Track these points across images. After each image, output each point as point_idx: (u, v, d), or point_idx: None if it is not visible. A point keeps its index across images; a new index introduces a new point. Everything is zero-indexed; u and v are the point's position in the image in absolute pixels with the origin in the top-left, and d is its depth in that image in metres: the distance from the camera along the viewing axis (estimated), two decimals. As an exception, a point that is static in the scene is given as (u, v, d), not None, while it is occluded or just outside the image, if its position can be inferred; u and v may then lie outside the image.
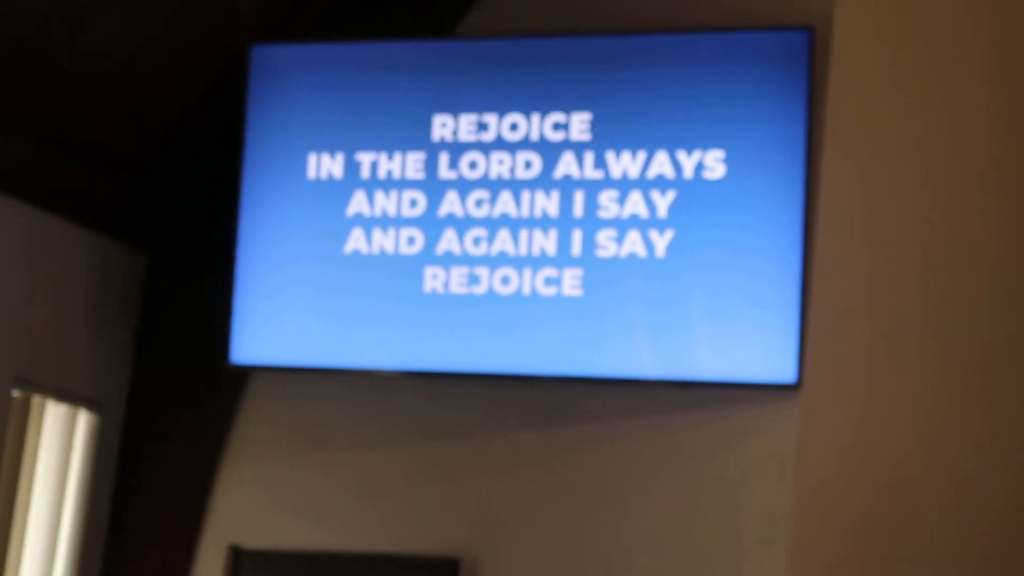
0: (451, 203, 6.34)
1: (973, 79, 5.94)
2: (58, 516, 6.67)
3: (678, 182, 6.08)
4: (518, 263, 6.23)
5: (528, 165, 6.27)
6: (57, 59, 6.17)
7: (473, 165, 6.33)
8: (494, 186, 6.29)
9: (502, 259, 6.25)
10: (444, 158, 6.36)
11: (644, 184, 6.12)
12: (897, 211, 5.93)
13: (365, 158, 6.46)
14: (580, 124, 6.22)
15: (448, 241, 6.32)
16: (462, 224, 6.31)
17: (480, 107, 6.34)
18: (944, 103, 5.93)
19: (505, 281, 6.24)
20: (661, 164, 6.10)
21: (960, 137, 5.90)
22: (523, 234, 6.24)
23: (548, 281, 6.19)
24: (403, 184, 6.40)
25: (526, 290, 6.21)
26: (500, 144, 6.31)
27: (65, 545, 6.67)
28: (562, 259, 6.18)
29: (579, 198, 6.19)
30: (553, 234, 6.21)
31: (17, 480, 6.56)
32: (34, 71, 6.14)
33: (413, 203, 6.39)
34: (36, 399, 6.61)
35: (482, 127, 6.34)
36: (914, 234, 5.91)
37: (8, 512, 6.53)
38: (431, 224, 6.34)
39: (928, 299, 5.86)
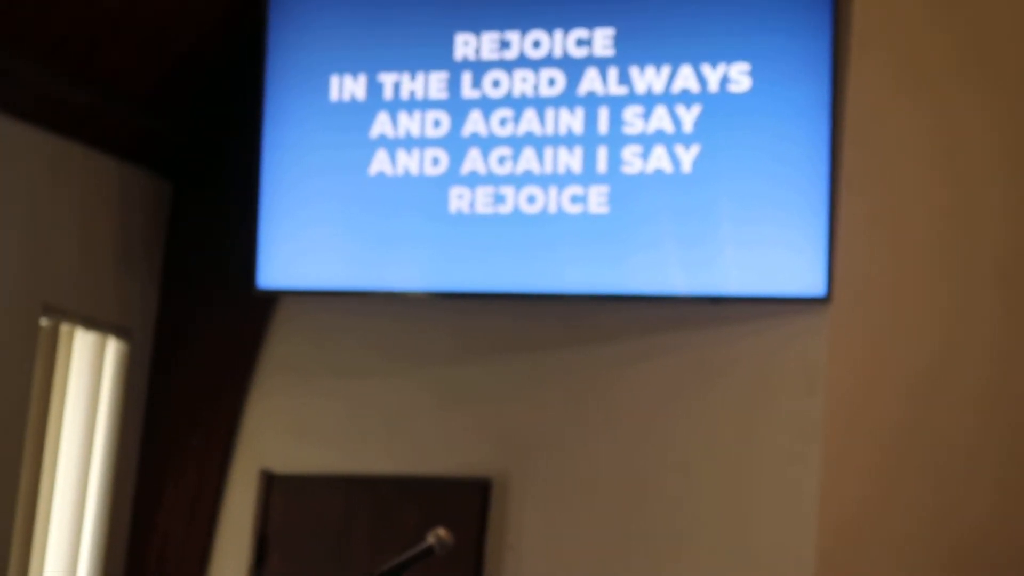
0: (475, 122, 6.29)
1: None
2: (90, 444, 6.69)
3: (703, 96, 6.02)
4: (543, 181, 6.19)
5: (552, 82, 6.22)
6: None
7: (496, 83, 6.28)
8: (518, 104, 6.24)
9: (527, 178, 6.21)
10: (467, 77, 6.31)
11: (669, 99, 6.06)
12: (927, 120, 5.87)
13: (387, 79, 6.41)
14: (603, 39, 6.15)
15: (473, 161, 6.28)
16: (486, 143, 6.27)
17: (502, 25, 6.28)
18: (975, 12, 5.86)
19: (531, 200, 6.20)
20: (686, 78, 6.04)
21: (991, 43, 5.83)
22: (548, 152, 6.19)
23: (574, 199, 6.15)
24: (426, 104, 6.35)
25: (552, 208, 6.17)
26: (523, 62, 6.25)
27: (97, 472, 6.70)
28: (588, 176, 6.14)
29: (604, 114, 6.13)
30: (578, 151, 6.16)
31: (48, 408, 6.57)
32: (54, 1, 6.11)
33: (437, 123, 6.34)
34: (65, 327, 6.62)
35: (504, 45, 6.28)
36: (945, 143, 5.85)
37: (40, 440, 6.54)
38: (455, 144, 6.30)
39: (957, 209, 5.81)
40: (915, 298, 5.81)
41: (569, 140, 6.17)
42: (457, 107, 6.31)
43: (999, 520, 5.62)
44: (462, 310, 6.44)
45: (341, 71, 6.46)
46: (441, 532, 4.08)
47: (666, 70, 6.07)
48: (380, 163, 6.39)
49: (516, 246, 6.19)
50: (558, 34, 6.21)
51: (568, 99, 6.18)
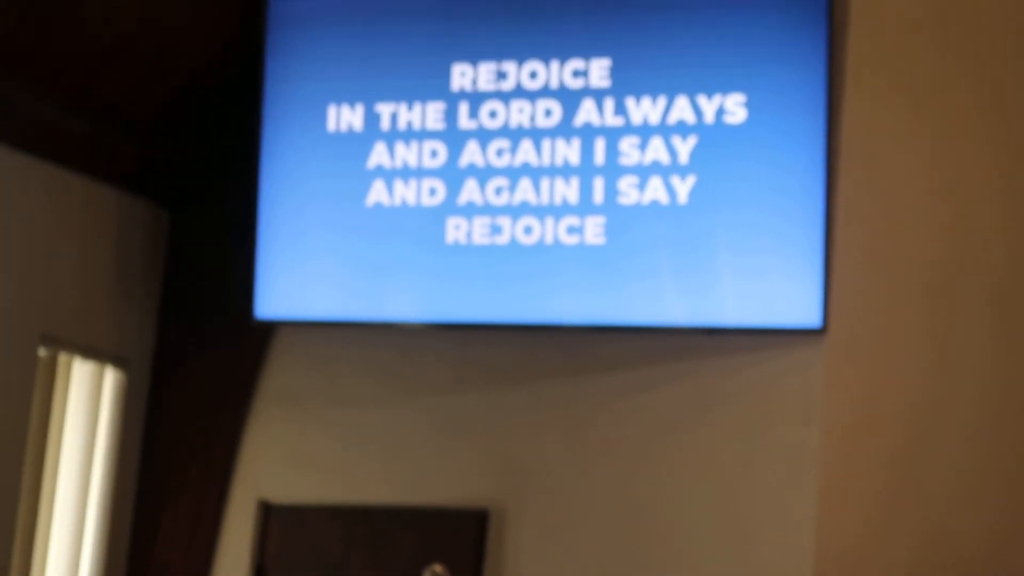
0: (472, 153, 6.31)
1: (997, 14, 5.89)
2: (87, 473, 6.69)
3: (699, 127, 6.03)
4: (540, 212, 6.20)
5: (548, 113, 6.23)
6: (74, 17, 6.16)
7: (493, 114, 6.30)
8: (515, 135, 6.26)
9: (524, 208, 6.22)
10: (464, 107, 6.33)
11: (665, 130, 6.07)
12: (922, 150, 5.89)
13: (385, 109, 6.43)
14: (600, 70, 6.17)
15: (470, 191, 6.29)
16: (483, 174, 6.28)
17: (499, 55, 6.30)
18: (968, 39, 5.88)
19: (528, 231, 6.22)
20: (682, 109, 6.06)
21: (986, 72, 5.84)
22: (544, 183, 6.21)
23: (570, 230, 6.16)
24: (423, 135, 6.37)
25: (548, 239, 6.18)
26: (520, 92, 6.27)
27: (95, 502, 6.70)
28: (584, 207, 6.15)
29: (600, 145, 6.15)
30: (575, 182, 6.17)
31: (46, 438, 6.58)
32: (53, 29, 6.13)
33: (434, 154, 6.36)
34: (63, 357, 6.62)
35: (501, 75, 6.30)
36: (940, 173, 5.87)
37: (38, 469, 6.55)
38: (452, 174, 6.32)
39: (952, 239, 5.83)
40: (910, 328, 5.82)
41: (566, 171, 6.19)
42: (454, 138, 6.33)
43: (994, 548, 5.64)
44: (459, 340, 6.45)
45: (339, 101, 6.48)
46: (437, 568, 4.11)
47: (662, 101, 6.08)
48: (377, 193, 6.41)
49: (513, 277, 6.20)
50: (555, 65, 6.23)
51: (564, 130, 6.20)
